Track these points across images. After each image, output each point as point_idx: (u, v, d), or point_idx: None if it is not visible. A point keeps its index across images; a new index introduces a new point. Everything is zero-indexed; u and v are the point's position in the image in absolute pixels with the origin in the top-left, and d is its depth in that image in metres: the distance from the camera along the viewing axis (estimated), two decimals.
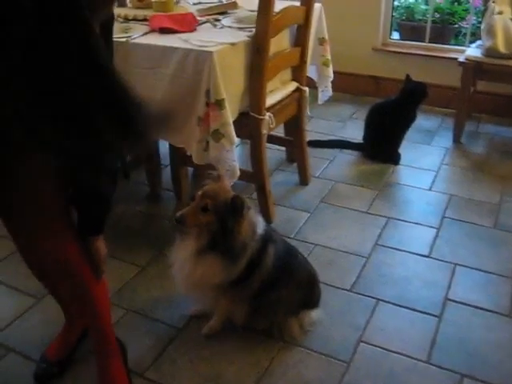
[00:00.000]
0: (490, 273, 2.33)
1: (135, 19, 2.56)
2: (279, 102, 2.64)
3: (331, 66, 3.03)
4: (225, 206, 1.75)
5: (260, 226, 1.87)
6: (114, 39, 2.18)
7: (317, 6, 2.77)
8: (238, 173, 2.28)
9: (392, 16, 4.33)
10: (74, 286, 1.63)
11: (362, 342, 1.98)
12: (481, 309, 2.13)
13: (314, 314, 2.02)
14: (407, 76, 3.20)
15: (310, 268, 2.03)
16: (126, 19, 2.57)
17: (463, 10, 4.64)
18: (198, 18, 2.54)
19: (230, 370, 1.87)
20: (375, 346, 1.96)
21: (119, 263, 2.38)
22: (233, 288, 1.87)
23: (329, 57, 3.00)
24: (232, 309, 1.96)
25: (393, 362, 1.90)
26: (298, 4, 2.61)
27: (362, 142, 3.41)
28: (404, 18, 4.70)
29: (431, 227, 2.66)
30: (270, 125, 2.49)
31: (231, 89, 2.23)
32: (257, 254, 1.84)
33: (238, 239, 1.78)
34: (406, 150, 3.36)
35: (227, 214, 1.74)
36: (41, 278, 1.77)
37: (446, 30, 4.55)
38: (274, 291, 1.91)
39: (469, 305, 2.15)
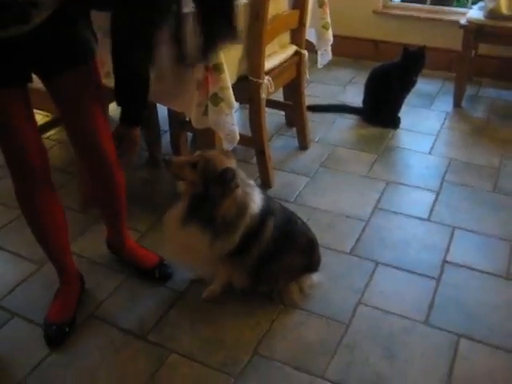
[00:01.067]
0: (489, 236, 2.35)
1: None
2: (278, 65, 2.61)
3: (331, 29, 2.98)
4: (214, 172, 1.73)
5: (255, 206, 1.82)
6: None
7: None
8: (238, 137, 2.27)
9: None
10: (105, 173, 1.89)
11: (361, 304, 2.00)
12: (479, 271, 2.15)
13: (314, 278, 2.04)
14: (405, 47, 3.13)
15: (309, 234, 2.03)
16: None
17: None
18: None
19: (231, 332, 1.90)
20: (374, 307, 1.99)
21: None
22: (230, 258, 1.87)
23: (328, 20, 2.95)
24: (232, 275, 1.98)
25: (391, 323, 1.92)
26: None
27: (361, 106, 3.39)
28: None
29: (431, 191, 2.67)
30: (269, 89, 2.47)
31: (230, 52, 2.20)
32: (255, 229, 1.82)
33: (219, 212, 1.75)
34: (405, 114, 3.35)
35: (213, 180, 1.72)
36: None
37: None
38: (275, 260, 1.91)
39: (467, 267, 2.17)
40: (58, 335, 1.88)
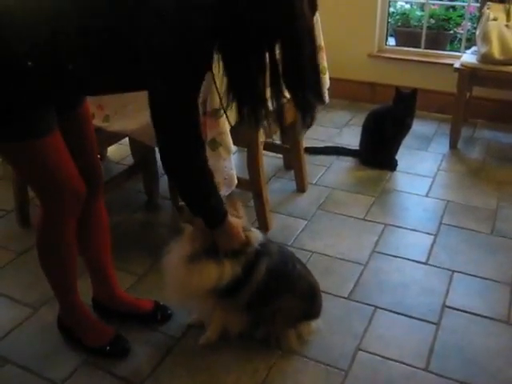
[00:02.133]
0: (488, 279, 2.34)
1: None
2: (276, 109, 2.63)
3: (327, 74, 3.02)
4: None
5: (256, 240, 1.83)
6: None
7: None
8: (236, 181, 2.28)
9: (388, 22, 4.35)
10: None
11: (360, 350, 1.98)
12: (479, 316, 2.13)
13: (313, 324, 2.01)
14: (397, 89, 3.17)
15: (310, 279, 2.00)
16: None
17: (458, 16, 4.68)
18: None
19: (228, 379, 1.86)
20: (373, 353, 1.96)
21: (116, 272, 2.36)
22: (223, 299, 1.86)
23: (325, 64, 3.00)
24: (227, 319, 1.95)
25: (391, 369, 1.89)
26: None
27: (358, 148, 3.42)
28: (400, 24, 4.72)
29: (428, 234, 2.66)
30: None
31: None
32: (247, 269, 1.81)
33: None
34: (402, 156, 3.37)
35: None
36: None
37: (441, 35, 4.58)
38: (270, 303, 1.89)
39: (467, 312, 2.15)
40: (118, 350, 1.97)
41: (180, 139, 1.51)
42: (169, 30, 1.36)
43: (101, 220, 1.98)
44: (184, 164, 1.56)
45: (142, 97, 2.25)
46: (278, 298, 1.90)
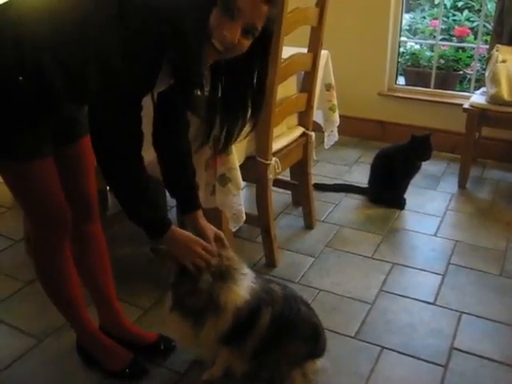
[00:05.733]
0: (497, 321, 2.31)
1: None
2: (285, 146, 2.66)
3: (337, 112, 3.06)
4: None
5: (237, 299, 1.76)
6: None
7: (323, 52, 2.82)
8: (244, 217, 2.28)
9: (398, 62, 4.40)
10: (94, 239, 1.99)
11: None
12: (487, 359, 2.10)
13: (319, 363, 1.98)
14: (412, 135, 3.18)
15: (314, 320, 1.95)
16: None
17: (468, 57, 4.73)
18: None
19: None
20: None
21: (122, 305, 2.35)
22: (226, 345, 1.84)
23: (335, 102, 3.04)
24: (231, 361, 1.92)
25: None
26: (305, 51, 2.66)
27: (367, 186, 3.43)
28: (409, 63, 4.78)
29: (436, 274, 2.64)
30: (277, 169, 2.51)
31: None
32: (247, 320, 1.77)
33: (189, 303, 1.77)
34: (411, 195, 3.37)
35: (184, 276, 1.79)
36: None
37: (450, 76, 4.62)
38: (275, 348, 1.86)
39: (475, 354, 2.12)
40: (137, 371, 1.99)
41: (118, 146, 1.57)
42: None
43: (97, 249, 1.98)
44: (122, 175, 1.61)
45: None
46: (283, 343, 1.86)
